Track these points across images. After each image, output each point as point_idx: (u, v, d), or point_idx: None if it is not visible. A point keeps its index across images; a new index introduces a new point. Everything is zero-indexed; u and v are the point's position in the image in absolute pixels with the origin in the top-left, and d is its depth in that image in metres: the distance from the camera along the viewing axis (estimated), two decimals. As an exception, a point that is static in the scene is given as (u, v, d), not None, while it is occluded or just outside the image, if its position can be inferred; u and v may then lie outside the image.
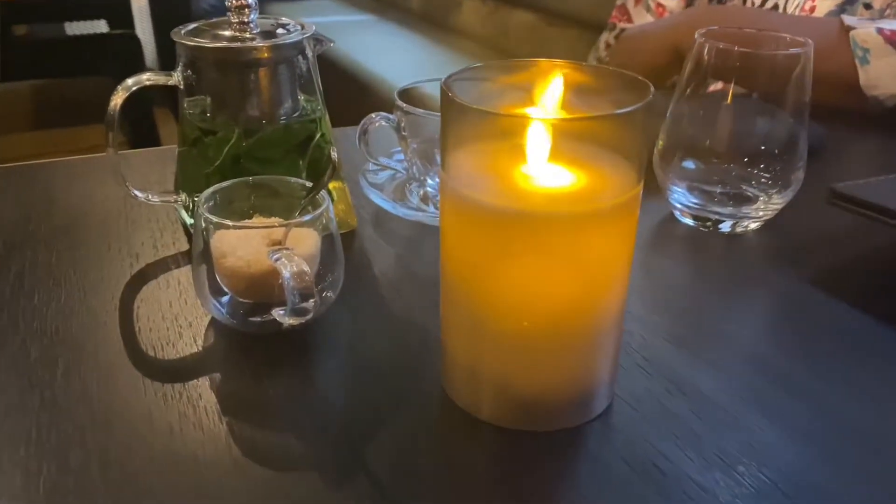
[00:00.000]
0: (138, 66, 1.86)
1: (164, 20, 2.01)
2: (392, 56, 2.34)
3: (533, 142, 0.33)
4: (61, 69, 1.86)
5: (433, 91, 0.66)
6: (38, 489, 0.33)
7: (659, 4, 1.14)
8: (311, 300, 0.39)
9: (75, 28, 2.24)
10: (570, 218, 0.33)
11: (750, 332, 0.46)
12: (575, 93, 0.35)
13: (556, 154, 0.33)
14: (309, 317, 0.40)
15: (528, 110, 0.35)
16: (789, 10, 0.96)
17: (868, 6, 0.90)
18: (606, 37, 1.18)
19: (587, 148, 0.34)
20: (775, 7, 0.99)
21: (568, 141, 0.34)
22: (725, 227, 0.57)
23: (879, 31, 0.81)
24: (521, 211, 0.33)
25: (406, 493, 0.33)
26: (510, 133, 0.34)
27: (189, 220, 0.53)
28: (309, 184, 0.45)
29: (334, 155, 0.40)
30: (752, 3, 1.02)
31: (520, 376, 0.36)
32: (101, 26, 2.13)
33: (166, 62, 2.02)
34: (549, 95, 0.34)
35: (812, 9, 0.93)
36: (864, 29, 0.82)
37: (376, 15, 2.96)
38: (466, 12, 2.53)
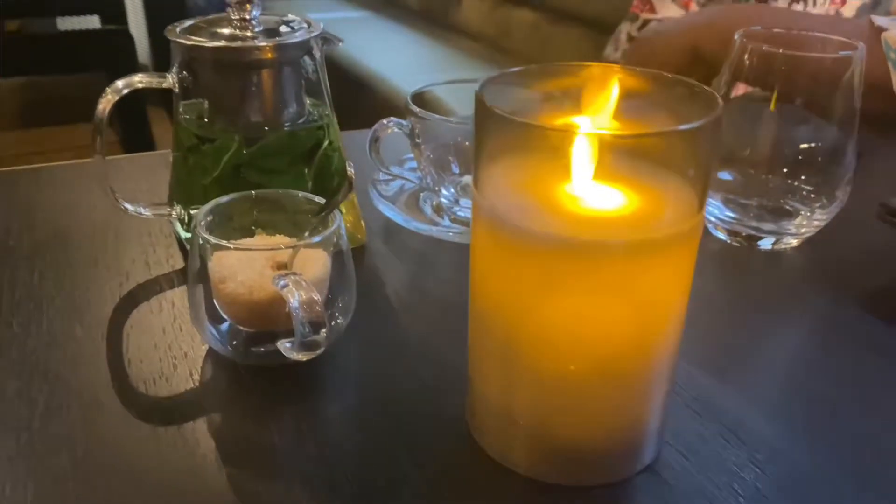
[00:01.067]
0: (131, 63, 1.81)
1: (157, 15, 1.95)
2: (390, 54, 2.29)
3: (579, 157, 0.29)
4: (52, 66, 1.80)
5: (445, 94, 0.62)
6: (9, 558, 0.29)
7: None
8: (322, 332, 0.35)
9: (67, 23, 2.19)
10: (626, 248, 0.28)
11: (801, 366, 0.42)
12: (627, 101, 0.30)
13: (605, 171, 0.29)
14: (320, 351, 0.35)
15: (577, 120, 0.31)
16: (818, 4, 0.92)
17: None
18: (628, 28, 1.14)
19: (640, 165, 0.30)
20: (804, 1, 0.96)
21: (619, 157, 0.30)
22: (765, 243, 0.53)
23: (913, 32, 0.77)
24: (569, 239, 0.28)
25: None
26: (554, 147, 0.29)
27: (184, 235, 0.49)
28: (316, 198, 0.41)
29: (351, 171, 0.35)
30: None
31: (562, 424, 0.32)
32: (93, 21, 2.07)
33: (160, 59, 1.97)
34: (599, 105, 0.30)
35: (843, 1, 0.89)
36: None
37: (373, 11, 2.91)
38: (467, 9, 2.49)
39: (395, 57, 2.26)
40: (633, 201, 0.30)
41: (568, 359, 0.30)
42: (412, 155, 0.58)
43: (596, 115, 0.30)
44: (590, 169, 0.29)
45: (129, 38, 1.78)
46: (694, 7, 1.11)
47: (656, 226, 0.29)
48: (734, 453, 0.34)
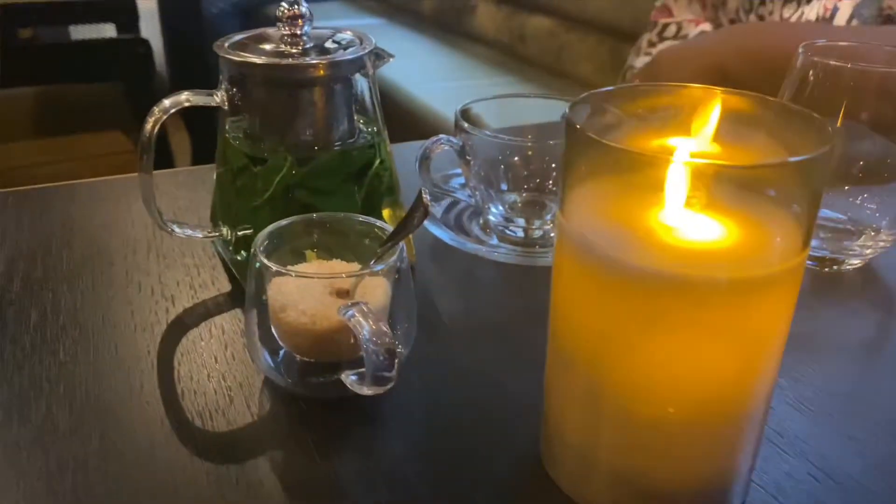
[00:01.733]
0: (148, 72, 1.80)
1: (173, 23, 1.95)
2: (405, 62, 2.27)
3: (675, 185, 0.27)
4: (67, 74, 1.79)
5: (485, 110, 0.60)
6: None
7: None
8: (396, 364, 0.33)
9: (81, 32, 2.18)
10: (730, 285, 0.27)
11: (885, 397, 0.40)
12: (728, 124, 0.29)
13: (704, 201, 0.27)
14: (390, 385, 0.34)
15: (674, 142, 0.29)
16: (812, 1, 0.91)
17: None
18: (649, 36, 1.12)
19: (742, 195, 0.28)
20: (798, 2, 0.94)
21: (720, 186, 0.28)
22: (826, 264, 0.51)
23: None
24: (668, 274, 0.27)
25: None
26: (648, 174, 0.28)
27: (230, 257, 0.47)
28: (377, 222, 0.39)
29: (427, 198, 0.33)
30: None
31: (648, 466, 0.30)
32: (108, 30, 2.07)
33: (175, 67, 1.96)
34: (698, 128, 0.28)
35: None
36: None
37: (387, 18, 2.90)
38: (481, 16, 2.47)
39: (410, 64, 2.25)
40: (734, 234, 0.28)
41: (665, 401, 0.28)
42: (458, 171, 0.56)
43: (694, 138, 0.29)
44: (687, 198, 0.27)
45: (147, 46, 1.77)
46: (709, 7, 1.10)
47: (762, 262, 0.27)
48: (826, 495, 0.32)
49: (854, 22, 0.86)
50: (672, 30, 1.11)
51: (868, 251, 0.51)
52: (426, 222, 0.52)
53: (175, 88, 0.45)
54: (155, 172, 0.44)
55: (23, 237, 0.52)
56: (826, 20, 0.88)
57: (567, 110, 0.28)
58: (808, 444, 0.35)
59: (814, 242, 0.51)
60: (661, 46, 1.12)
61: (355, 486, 0.33)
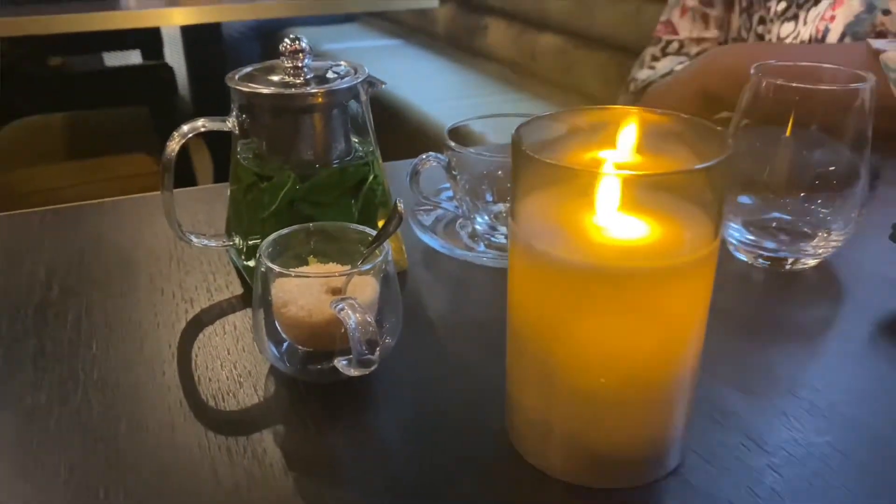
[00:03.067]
0: (172, 96, 1.88)
1: (195, 49, 2.03)
2: (420, 80, 2.35)
3: (604, 192, 0.32)
4: (96, 100, 1.88)
5: (480, 128, 0.66)
6: (109, 552, 0.33)
7: (703, 14, 1.14)
8: (377, 351, 0.39)
9: (109, 59, 2.28)
10: (648, 273, 0.32)
11: (821, 380, 0.45)
12: (649, 138, 0.34)
13: (629, 204, 0.33)
14: (373, 367, 0.39)
15: (603, 156, 0.34)
16: (808, 21, 0.95)
17: (887, 12, 0.89)
18: (652, 50, 1.18)
19: (662, 198, 0.33)
20: (795, 17, 0.99)
21: (640, 191, 0.33)
22: (783, 264, 0.56)
23: (910, 51, 0.80)
24: (597, 266, 0.32)
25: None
26: (581, 184, 0.33)
27: (242, 263, 0.53)
28: (366, 229, 0.45)
29: (401, 206, 0.39)
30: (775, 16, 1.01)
31: (593, 432, 0.35)
32: (134, 57, 2.16)
33: (197, 91, 2.04)
34: (623, 143, 0.34)
35: (832, 17, 0.92)
36: (894, 51, 0.80)
37: (403, 39, 2.98)
38: (493, 35, 2.54)
39: (425, 83, 2.32)
40: (655, 231, 0.33)
41: (597, 374, 0.33)
42: (448, 185, 0.62)
43: (620, 151, 0.34)
44: (615, 202, 0.33)
45: (170, 72, 1.85)
46: (712, 26, 1.15)
47: (676, 253, 0.33)
48: (752, 458, 0.37)
49: (847, 39, 0.90)
50: (675, 46, 1.16)
51: (821, 251, 0.56)
52: (419, 232, 0.58)
53: (197, 111, 0.52)
54: (176, 190, 0.50)
55: (59, 250, 0.59)
56: (818, 39, 0.93)
57: (514, 133, 0.34)
58: (742, 419, 0.40)
59: (772, 244, 0.56)
60: (664, 61, 1.17)
61: (346, 456, 0.39)
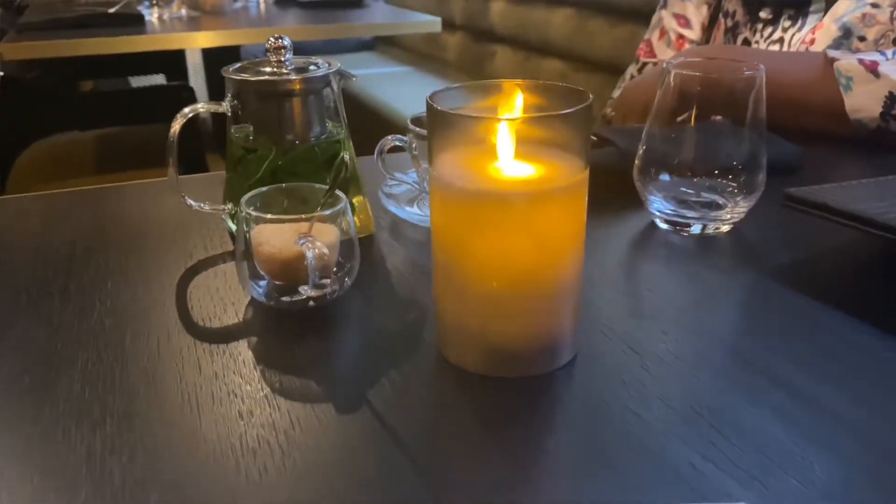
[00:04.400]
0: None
1: (215, 71, 2.16)
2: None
3: (501, 142, 0.42)
4: (121, 118, 2.02)
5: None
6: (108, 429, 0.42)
7: (680, 36, 1.23)
8: (329, 277, 0.49)
9: (135, 82, 2.43)
10: (531, 196, 0.42)
11: (708, 313, 0.54)
12: (533, 100, 0.44)
13: (520, 153, 0.43)
14: (327, 289, 0.49)
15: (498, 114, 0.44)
16: (793, 43, 1.03)
17: (862, 39, 0.97)
18: (632, 69, 1.27)
19: (544, 149, 0.43)
20: (780, 41, 1.07)
21: (528, 142, 0.43)
22: (695, 229, 0.65)
23: (860, 61, 0.89)
24: (491, 192, 0.42)
25: (402, 422, 0.42)
26: (482, 135, 0.43)
27: (233, 227, 0.63)
28: (326, 188, 0.55)
29: (347, 157, 0.49)
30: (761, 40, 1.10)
31: (493, 329, 0.44)
32: (159, 80, 2.30)
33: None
34: (514, 105, 0.44)
35: (812, 41, 1.00)
36: (846, 60, 0.89)
37: (414, 66, 3.11)
38: (500, 61, 2.66)
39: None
40: (539, 169, 0.43)
41: (492, 279, 0.43)
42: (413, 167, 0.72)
43: (512, 111, 0.44)
44: (509, 151, 0.42)
45: (191, 92, 1.98)
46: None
47: (552, 181, 0.42)
48: (628, 360, 0.47)
49: None
50: (650, 69, 1.26)
51: (730, 217, 0.65)
52: (387, 203, 0.68)
53: (215, 128, 0.62)
54: (186, 176, 0.61)
55: (83, 220, 0.69)
56: None
57: (427, 98, 0.44)
58: (630, 335, 0.49)
59: (692, 215, 0.65)
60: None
61: (312, 361, 0.48)
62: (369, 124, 2.40)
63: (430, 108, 0.43)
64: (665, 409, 0.42)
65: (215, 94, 2.08)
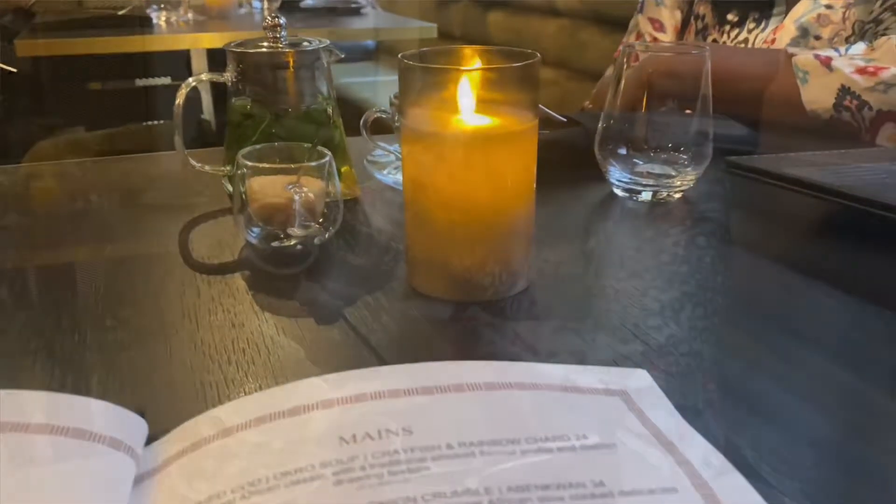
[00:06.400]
0: (196, 114, 2.10)
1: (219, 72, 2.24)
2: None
3: (462, 95, 0.49)
4: (129, 117, 2.10)
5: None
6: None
7: (654, 39, 1.31)
8: (315, 223, 0.55)
9: (142, 84, 2.51)
10: (486, 138, 0.49)
11: (651, 261, 0.60)
12: (493, 63, 0.51)
13: (479, 107, 0.49)
14: (312, 230, 0.56)
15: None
16: (756, 43, 1.11)
17: (818, 37, 1.05)
18: (609, 71, 1.35)
19: (500, 106, 0.50)
20: (746, 41, 1.14)
21: (486, 101, 0.50)
22: (647, 195, 0.72)
23: (816, 56, 0.96)
24: (451, 134, 0.49)
25: (373, 332, 0.48)
26: (447, 88, 0.50)
27: (231, 188, 0.70)
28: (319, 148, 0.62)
29: (330, 110, 0.56)
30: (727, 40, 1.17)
31: (456, 259, 0.51)
32: (164, 83, 2.39)
33: (220, 113, 2.25)
34: (475, 64, 0.51)
35: (773, 41, 1.08)
36: (804, 55, 0.97)
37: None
38: (495, 70, 2.75)
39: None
40: (494, 119, 0.50)
41: (452, 212, 0.50)
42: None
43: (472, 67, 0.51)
44: (469, 105, 0.49)
45: (195, 91, 2.05)
46: None
47: (505, 127, 0.49)
48: (570, 290, 0.53)
49: None
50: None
51: (680, 185, 0.72)
52: (372, 170, 0.75)
53: (218, 126, 0.70)
54: (189, 150, 0.68)
55: (104, 181, 0.77)
56: None
57: (399, 56, 0.51)
58: (579, 273, 0.56)
59: (649, 183, 0.72)
60: None
61: (297, 288, 0.55)
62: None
63: (402, 64, 0.50)
64: (600, 332, 0.49)
65: (218, 95, 2.17)
